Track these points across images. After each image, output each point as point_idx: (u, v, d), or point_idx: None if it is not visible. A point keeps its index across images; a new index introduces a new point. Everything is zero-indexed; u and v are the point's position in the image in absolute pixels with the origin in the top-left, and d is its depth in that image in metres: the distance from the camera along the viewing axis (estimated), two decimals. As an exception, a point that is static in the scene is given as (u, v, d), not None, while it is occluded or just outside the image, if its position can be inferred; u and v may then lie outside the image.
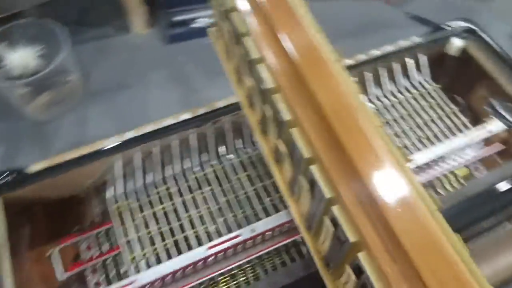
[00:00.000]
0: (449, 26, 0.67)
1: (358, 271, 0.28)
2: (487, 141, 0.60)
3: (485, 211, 0.49)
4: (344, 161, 0.30)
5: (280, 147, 0.36)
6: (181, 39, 0.89)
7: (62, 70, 0.72)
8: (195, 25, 0.89)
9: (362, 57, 0.63)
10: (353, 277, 0.29)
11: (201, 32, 0.90)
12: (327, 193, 0.29)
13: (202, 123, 0.55)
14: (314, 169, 0.31)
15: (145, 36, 0.90)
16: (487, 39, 0.64)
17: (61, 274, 0.47)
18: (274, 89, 0.35)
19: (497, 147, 0.59)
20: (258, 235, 0.48)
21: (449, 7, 0.97)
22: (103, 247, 0.50)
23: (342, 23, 0.93)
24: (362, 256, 0.27)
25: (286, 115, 0.33)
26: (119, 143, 0.53)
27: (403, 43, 0.65)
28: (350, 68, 0.61)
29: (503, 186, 0.50)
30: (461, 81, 0.68)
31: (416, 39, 0.66)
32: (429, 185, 0.56)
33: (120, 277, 0.48)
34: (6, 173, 0.50)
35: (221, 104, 0.57)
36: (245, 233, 0.48)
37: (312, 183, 0.32)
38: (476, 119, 0.64)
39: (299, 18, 0.38)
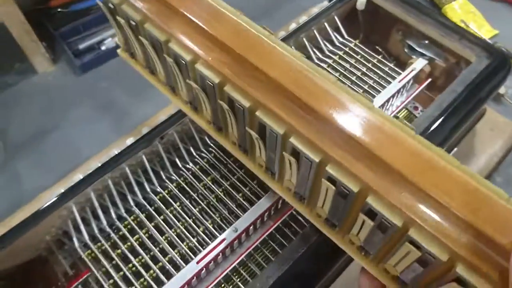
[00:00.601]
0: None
1: (370, 215, 0.29)
2: (417, 80, 0.64)
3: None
4: (319, 123, 0.31)
5: (252, 134, 0.35)
6: (93, 65, 0.84)
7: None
8: (103, 47, 0.85)
9: (282, 33, 0.64)
10: (369, 222, 0.29)
11: (112, 53, 0.86)
12: (316, 157, 0.30)
13: (149, 143, 0.53)
14: (294, 140, 0.31)
15: (53, 73, 0.83)
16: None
17: None
18: (222, 82, 0.34)
19: (426, 82, 0.63)
20: (242, 232, 0.47)
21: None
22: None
23: (252, 3, 0.94)
24: (371, 200, 0.28)
25: (246, 103, 0.33)
26: (67, 188, 0.49)
27: (316, 10, 0.67)
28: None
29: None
30: (377, 32, 0.72)
31: (326, 3, 0.68)
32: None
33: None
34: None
35: (162, 117, 0.55)
36: (229, 235, 0.47)
37: (296, 155, 0.32)
38: (401, 63, 0.68)
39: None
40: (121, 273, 0.47)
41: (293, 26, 0.66)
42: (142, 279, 0.46)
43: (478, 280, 0.25)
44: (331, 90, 0.32)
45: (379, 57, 0.65)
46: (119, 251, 0.48)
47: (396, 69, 0.64)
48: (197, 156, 0.55)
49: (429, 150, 0.28)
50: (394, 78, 0.62)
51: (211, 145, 0.56)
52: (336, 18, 0.67)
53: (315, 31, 0.65)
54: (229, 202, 0.51)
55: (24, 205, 0.61)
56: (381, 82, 0.62)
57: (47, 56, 0.82)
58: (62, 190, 0.49)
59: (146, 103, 0.77)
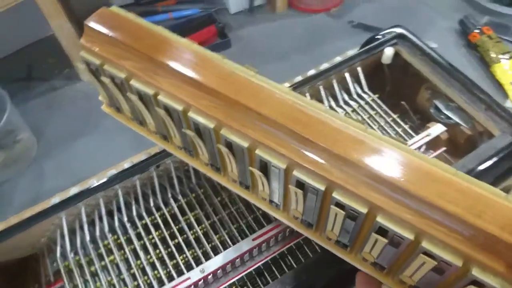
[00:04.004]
0: (382, 35, 0.69)
1: (381, 232, 0.30)
2: (433, 144, 0.60)
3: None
4: (318, 152, 0.32)
5: (255, 172, 0.36)
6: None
7: (9, 131, 0.72)
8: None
9: (298, 78, 0.64)
10: (382, 239, 0.30)
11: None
12: (321, 186, 0.31)
13: (145, 169, 0.55)
14: (297, 173, 0.32)
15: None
16: (418, 42, 0.66)
17: None
18: (217, 127, 0.36)
19: (440, 150, 0.60)
20: (208, 275, 0.48)
21: (387, 10, 0.99)
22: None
23: (289, 40, 0.95)
24: (381, 219, 0.29)
25: (244, 143, 0.34)
26: (62, 200, 0.53)
27: (339, 59, 0.66)
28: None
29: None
30: (404, 87, 0.69)
31: (350, 53, 0.67)
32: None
33: None
34: None
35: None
36: (195, 275, 0.48)
37: (300, 186, 0.33)
38: (426, 122, 0.64)
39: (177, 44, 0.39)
40: (89, 290, 0.49)
41: (325, 66, 0.65)
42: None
43: (494, 280, 0.26)
44: (324, 119, 0.32)
45: (395, 116, 0.62)
46: (93, 268, 0.51)
47: (410, 131, 0.61)
48: (190, 189, 0.57)
49: (421, 160, 0.30)
50: (405, 140, 0.59)
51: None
52: (359, 69, 0.66)
53: (333, 80, 0.65)
54: (205, 241, 0.52)
55: (39, 202, 0.67)
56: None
57: (92, 66, 0.88)
58: (58, 200, 0.53)
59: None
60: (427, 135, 0.59)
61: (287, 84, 0.63)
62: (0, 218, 0.51)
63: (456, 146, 0.62)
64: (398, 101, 0.69)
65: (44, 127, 0.83)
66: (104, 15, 0.42)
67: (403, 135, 0.60)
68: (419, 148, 0.58)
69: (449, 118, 0.64)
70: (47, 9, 0.72)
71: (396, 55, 0.67)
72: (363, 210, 0.30)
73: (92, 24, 0.41)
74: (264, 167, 0.35)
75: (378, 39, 0.69)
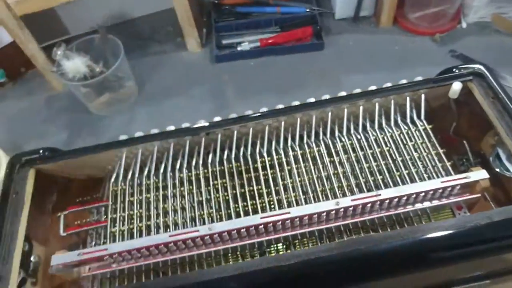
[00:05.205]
0: (459, 68, 0.67)
1: None
2: (469, 188, 0.58)
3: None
4: None
5: None
6: (227, 59, 1.00)
7: (119, 77, 0.88)
8: (240, 48, 1.00)
9: (357, 90, 0.67)
10: None
11: (245, 54, 1.00)
12: None
13: (196, 132, 0.65)
14: None
15: (197, 55, 1.03)
16: (494, 84, 0.63)
17: (62, 232, 0.60)
18: None
19: (475, 195, 0.57)
20: (214, 233, 0.55)
21: (497, 47, 0.92)
22: (97, 217, 0.62)
23: (381, 56, 0.95)
24: None
25: None
26: (126, 138, 0.65)
27: (404, 82, 0.67)
28: (342, 99, 0.65)
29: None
30: (467, 126, 0.67)
31: (419, 78, 0.67)
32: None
33: (100, 243, 0.59)
34: (41, 151, 0.65)
35: (217, 118, 0.66)
36: (202, 230, 0.56)
37: None
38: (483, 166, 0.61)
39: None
40: (122, 214, 0.60)
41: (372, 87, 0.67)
42: (130, 226, 0.59)
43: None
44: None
45: (441, 151, 0.61)
46: (132, 198, 0.62)
47: (451, 169, 0.59)
48: (226, 160, 0.64)
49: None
50: (440, 175, 0.58)
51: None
52: (422, 96, 0.65)
53: (392, 99, 0.65)
54: (225, 206, 0.59)
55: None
56: (424, 174, 0.59)
57: (198, 40, 1.01)
58: (124, 137, 0.66)
59: (245, 104, 0.88)
60: (465, 178, 0.57)
61: (343, 93, 0.66)
62: (93, 141, 0.65)
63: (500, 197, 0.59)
64: (459, 140, 0.67)
65: (146, 81, 0.99)
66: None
67: (441, 170, 0.59)
68: (452, 187, 0.57)
69: (507, 170, 0.61)
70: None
71: (468, 92, 0.65)
72: None
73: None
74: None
75: (454, 72, 0.67)
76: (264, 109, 0.66)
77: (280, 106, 0.66)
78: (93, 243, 0.61)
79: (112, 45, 0.87)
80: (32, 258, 0.59)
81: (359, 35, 1.01)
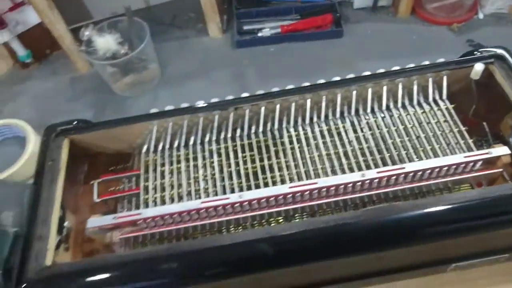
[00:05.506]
0: (480, 51, 0.69)
1: None
2: (490, 163, 0.60)
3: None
4: None
5: None
6: (248, 45, 1.02)
7: (143, 59, 0.91)
8: (260, 34, 1.02)
9: (381, 70, 0.69)
10: None
11: (266, 40, 1.03)
12: None
13: (225, 107, 0.67)
14: None
15: (218, 40, 1.06)
16: (514, 66, 0.64)
17: (95, 199, 0.63)
18: None
19: (496, 170, 0.59)
20: (244, 201, 0.57)
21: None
22: (129, 186, 0.65)
23: (399, 45, 0.97)
24: None
25: None
26: (157, 111, 0.67)
27: (427, 63, 0.69)
28: (366, 78, 0.67)
29: None
30: (487, 108, 0.69)
31: (441, 60, 0.69)
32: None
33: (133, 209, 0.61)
34: (75, 122, 0.68)
35: (244, 94, 0.69)
36: (233, 197, 0.58)
37: None
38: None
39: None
40: (154, 182, 0.63)
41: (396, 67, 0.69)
42: (162, 193, 0.61)
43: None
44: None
45: (463, 129, 0.63)
46: (163, 168, 0.64)
47: (472, 146, 0.61)
48: (253, 134, 0.67)
49: None
50: (464, 151, 0.60)
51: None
52: (444, 77, 0.67)
53: (415, 80, 0.67)
54: (251, 178, 0.62)
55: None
56: (447, 150, 0.61)
57: (219, 26, 1.04)
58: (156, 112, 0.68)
59: (265, 88, 0.90)
60: (487, 153, 0.59)
61: (367, 72, 0.68)
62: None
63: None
64: (480, 121, 0.69)
65: (169, 65, 1.02)
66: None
67: (463, 147, 0.61)
68: (474, 163, 0.59)
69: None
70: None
71: (490, 75, 0.67)
72: None
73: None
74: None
75: (475, 54, 0.69)
76: (291, 86, 0.68)
77: (306, 83, 0.68)
78: (125, 210, 0.63)
79: (138, 28, 0.90)
80: (65, 224, 0.61)
81: (377, 24, 1.04)
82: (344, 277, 0.59)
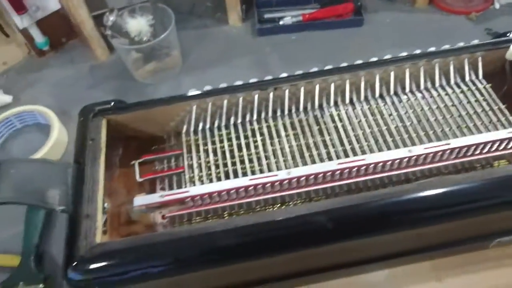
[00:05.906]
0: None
1: None
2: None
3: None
4: None
5: None
6: (269, 33, 1.02)
7: (166, 45, 0.90)
8: (282, 22, 1.02)
9: (417, 51, 0.69)
10: None
11: (287, 28, 1.03)
12: None
13: (265, 87, 0.67)
14: None
15: (239, 28, 1.05)
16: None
17: (138, 178, 0.62)
18: None
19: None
20: (293, 178, 0.57)
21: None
22: (168, 167, 0.64)
23: (417, 34, 0.99)
24: None
25: None
26: (196, 93, 0.67)
27: (462, 44, 0.70)
28: (402, 60, 0.68)
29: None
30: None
31: (475, 41, 0.70)
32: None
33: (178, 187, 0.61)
34: (112, 102, 0.67)
35: (284, 74, 0.69)
36: (281, 174, 0.58)
37: None
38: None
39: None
40: (199, 161, 0.62)
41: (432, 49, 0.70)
42: (208, 172, 0.61)
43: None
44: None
45: (503, 106, 0.64)
46: (205, 147, 0.64)
47: (512, 121, 0.62)
48: (292, 114, 0.67)
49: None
50: (505, 128, 0.61)
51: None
52: (479, 58, 0.69)
53: (451, 61, 0.68)
54: (291, 157, 0.62)
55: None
56: (489, 127, 0.62)
57: (240, 14, 1.04)
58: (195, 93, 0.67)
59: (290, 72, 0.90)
60: (531, 129, 0.60)
61: (404, 53, 0.69)
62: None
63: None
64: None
65: (190, 53, 1.01)
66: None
67: (504, 123, 0.62)
68: (518, 138, 0.60)
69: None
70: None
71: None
72: None
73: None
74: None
75: (508, 36, 0.71)
76: (330, 67, 0.68)
77: (344, 64, 0.69)
78: (166, 190, 0.62)
79: (161, 14, 0.89)
80: (105, 205, 0.60)
81: (395, 13, 1.05)
82: (400, 252, 0.60)
